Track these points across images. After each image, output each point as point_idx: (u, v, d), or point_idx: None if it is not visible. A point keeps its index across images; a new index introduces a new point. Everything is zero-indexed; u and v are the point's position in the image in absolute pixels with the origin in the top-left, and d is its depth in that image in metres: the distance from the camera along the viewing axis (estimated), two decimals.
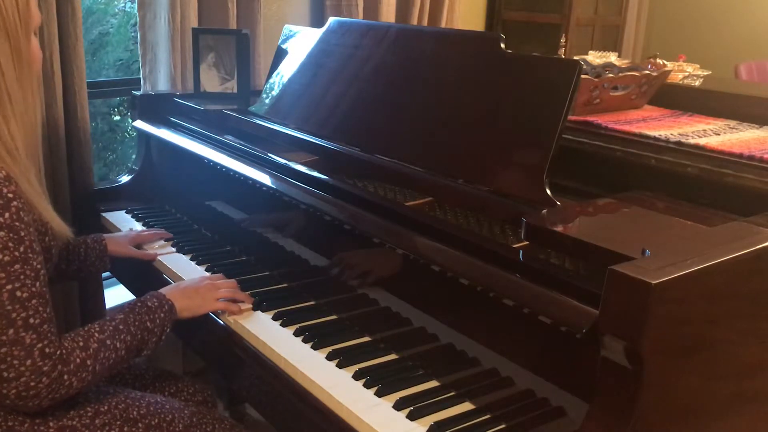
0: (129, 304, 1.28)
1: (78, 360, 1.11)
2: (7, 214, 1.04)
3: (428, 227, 1.20)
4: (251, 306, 1.41)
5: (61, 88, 1.88)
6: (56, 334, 1.10)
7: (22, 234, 1.05)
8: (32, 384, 1.05)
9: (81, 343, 1.13)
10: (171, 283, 1.49)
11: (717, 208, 1.21)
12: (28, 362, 1.05)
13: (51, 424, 1.14)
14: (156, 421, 1.24)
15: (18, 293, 1.04)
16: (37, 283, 1.07)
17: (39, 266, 1.08)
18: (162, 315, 1.27)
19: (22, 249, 1.05)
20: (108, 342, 1.16)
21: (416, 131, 1.43)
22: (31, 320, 1.05)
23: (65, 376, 1.09)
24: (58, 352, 1.08)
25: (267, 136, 1.72)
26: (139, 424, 1.21)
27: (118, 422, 1.20)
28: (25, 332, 1.05)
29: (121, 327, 1.20)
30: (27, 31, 1.12)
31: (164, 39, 2.11)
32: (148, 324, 1.24)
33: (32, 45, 1.15)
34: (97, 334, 1.16)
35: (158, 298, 1.30)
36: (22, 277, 1.05)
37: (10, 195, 1.04)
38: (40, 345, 1.06)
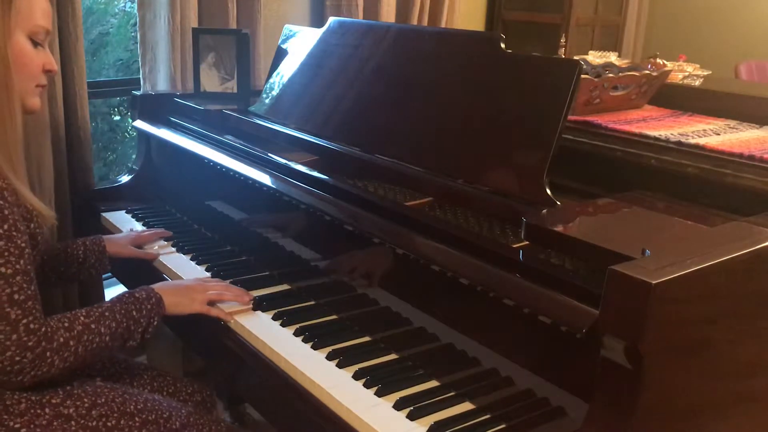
0: (118, 294, 1.29)
1: (62, 339, 1.12)
2: None
3: (428, 227, 1.20)
4: (244, 307, 1.40)
5: (61, 88, 1.89)
6: (41, 312, 1.11)
7: (6, 212, 1.06)
8: (17, 359, 1.07)
9: (66, 324, 1.15)
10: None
11: (717, 208, 1.21)
12: (14, 337, 1.06)
13: (47, 410, 1.14)
14: (153, 416, 1.24)
15: (2, 269, 1.06)
16: (21, 261, 1.08)
17: (23, 245, 1.09)
18: (149, 307, 1.29)
19: (6, 227, 1.06)
20: (93, 326, 1.18)
21: (416, 131, 1.43)
22: (16, 296, 1.07)
23: (48, 353, 1.10)
24: (43, 329, 1.10)
25: (267, 136, 1.72)
26: (136, 418, 1.21)
27: (115, 414, 1.20)
28: (10, 308, 1.06)
29: (107, 314, 1.22)
30: (5, 29, 1.11)
31: (164, 39, 2.12)
32: (134, 314, 1.26)
33: (18, 46, 1.15)
34: (82, 318, 1.18)
35: (146, 291, 1.31)
36: (6, 254, 1.06)
37: None
38: (25, 321, 1.07)
